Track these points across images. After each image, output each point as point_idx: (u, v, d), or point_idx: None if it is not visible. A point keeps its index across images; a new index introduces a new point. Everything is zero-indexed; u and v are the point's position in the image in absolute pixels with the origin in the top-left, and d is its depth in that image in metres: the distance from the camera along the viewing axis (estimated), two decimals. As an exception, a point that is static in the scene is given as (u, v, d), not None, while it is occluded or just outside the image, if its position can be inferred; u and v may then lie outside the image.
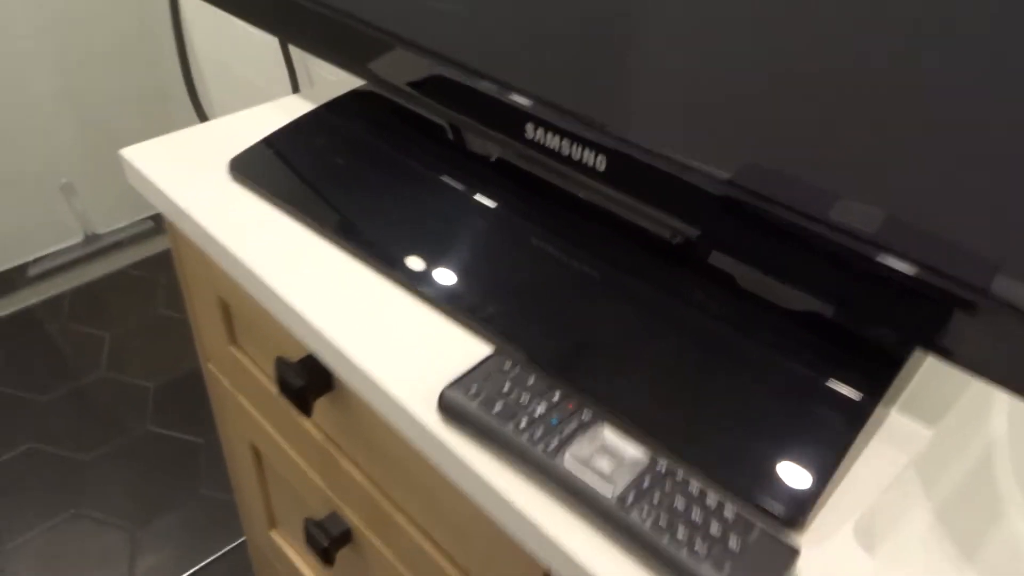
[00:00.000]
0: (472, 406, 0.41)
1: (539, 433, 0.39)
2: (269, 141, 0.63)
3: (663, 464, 0.39)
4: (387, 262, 0.52)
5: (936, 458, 0.51)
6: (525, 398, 0.41)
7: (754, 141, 0.41)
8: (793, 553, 0.36)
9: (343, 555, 0.67)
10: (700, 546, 0.35)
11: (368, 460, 0.57)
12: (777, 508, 0.38)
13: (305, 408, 0.53)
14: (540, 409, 0.41)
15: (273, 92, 1.35)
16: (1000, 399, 0.55)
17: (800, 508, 0.38)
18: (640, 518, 0.36)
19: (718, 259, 0.50)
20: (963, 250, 0.36)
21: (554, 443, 0.39)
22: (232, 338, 0.68)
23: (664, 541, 0.35)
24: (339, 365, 0.48)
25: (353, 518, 0.63)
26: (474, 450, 0.41)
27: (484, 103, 0.53)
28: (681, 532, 0.36)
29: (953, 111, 0.34)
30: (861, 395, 0.42)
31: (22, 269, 1.74)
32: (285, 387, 0.53)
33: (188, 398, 1.54)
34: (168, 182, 0.60)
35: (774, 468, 0.40)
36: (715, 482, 0.39)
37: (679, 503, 0.37)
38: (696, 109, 0.42)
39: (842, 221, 0.38)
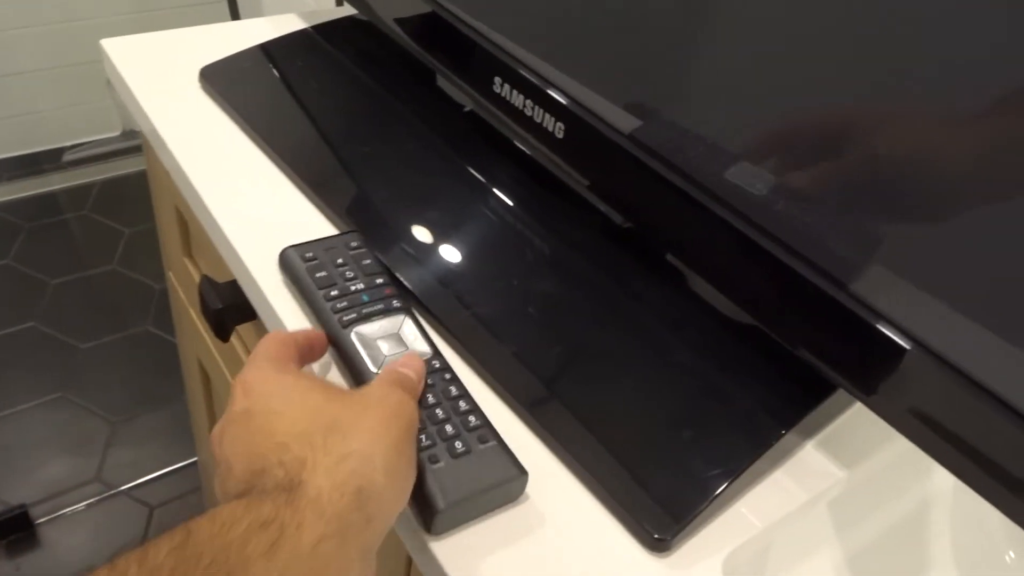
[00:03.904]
0: (301, 266, 0.43)
1: (343, 304, 0.42)
2: (246, 55, 0.61)
3: (440, 362, 0.40)
4: (294, 166, 0.51)
5: (855, 504, 0.47)
6: (351, 273, 0.43)
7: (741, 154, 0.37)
8: (519, 473, 0.36)
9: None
10: (427, 442, 0.36)
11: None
12: (646, 526, 0.35)
13: (222, 332, 0.52)
14: (358, 285, 0.43)
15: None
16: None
17: (667, 529, 0.35)
18: None
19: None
20: (900, 300, 0.32)
21: (351, 316, 0.41)
22: (187, 250, 0.67)
23: None
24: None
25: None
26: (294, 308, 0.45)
27: (462, 52, 0.50)
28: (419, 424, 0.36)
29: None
30: (772, 420, 0.39)
31: (57, 153, 1.77)
32: (204, 307, 0.51)
33: (190, 306, 1.56)
34: (137, 81, 0.59)
35: (654, 481, 0.37)
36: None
37: (433, 397, 0.38)
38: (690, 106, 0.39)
39: (807, 250, 0.35)
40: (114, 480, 1.28)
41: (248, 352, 0.60)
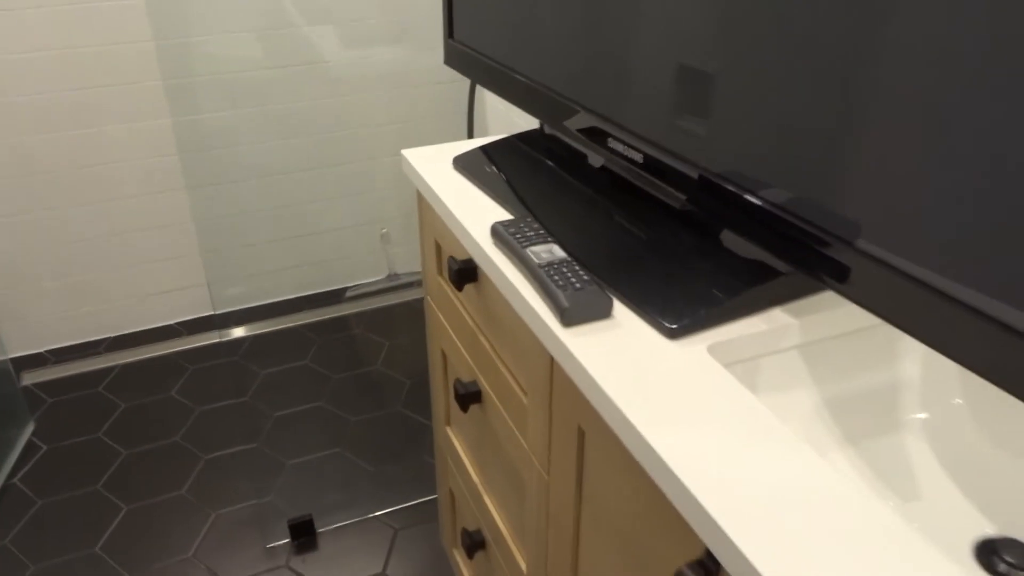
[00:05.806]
0: (501, 229, 0.82)
1: (523, 240, 0.79)
2: (474, 151, 1.06)
3: (571, 259, 0.76)
4: (509, 199, 0.91)
5: (832, 362, 0.74)
6: (527, 229, 0.81)
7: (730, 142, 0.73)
8: (609, 299, 0.70)
9: (474, 411, 1.03)
10: (562, 284, 0.72)
11: (490, 330, 0.94)
12: (666, 322, 0.68)
13: (459, 284, 0.92)
14: (530, 233, 0.80)
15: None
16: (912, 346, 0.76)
17: (677, 320, 0.68)
18: (545, 272, 0.73)
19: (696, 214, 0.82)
20: (831, 211, 0.64)
21: (526, 243, 0.79)
22: (439, 269, 1.09)
23: (547, 281, 0.73)
24: (468, 242, 0.88)
25: (484, 385, 0.99)
26: (498, 252, 0.82)
27: (592, 133, 0.90)
28: (558, 279, 0.72)
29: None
30: (743, 283, 0.70)
31: (343, 291, 2.38)
32: (450, 271, 0.92)
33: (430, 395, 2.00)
34: (421, 164, 1.05)
35: (671, 303, 0.70)
36: (609, 286, 0.71)
37: (565, 270, 0.74)
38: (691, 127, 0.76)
39: (773, 200, 0.69)
40: (369, 508, 1.68)
41: (468, 309, 0.99)
